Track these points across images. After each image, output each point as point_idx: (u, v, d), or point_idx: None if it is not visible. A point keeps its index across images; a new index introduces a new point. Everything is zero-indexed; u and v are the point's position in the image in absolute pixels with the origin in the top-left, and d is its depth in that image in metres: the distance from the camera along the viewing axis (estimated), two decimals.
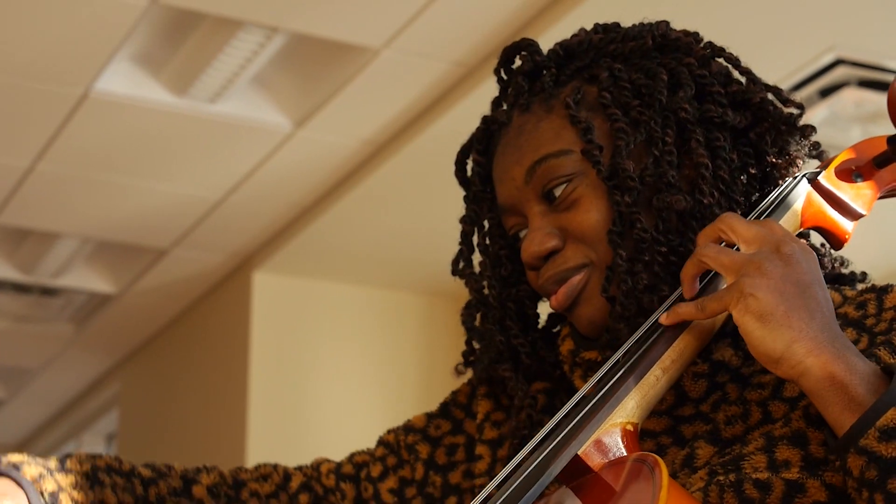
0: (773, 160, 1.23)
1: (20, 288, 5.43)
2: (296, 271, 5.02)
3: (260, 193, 4.50)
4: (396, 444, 1.35)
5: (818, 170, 1.22)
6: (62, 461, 1.31)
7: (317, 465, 1.39)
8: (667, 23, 1.27)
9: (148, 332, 5.89)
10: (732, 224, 1.10)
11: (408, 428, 1.36)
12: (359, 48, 3.59)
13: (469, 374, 1.35)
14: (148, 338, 5.97)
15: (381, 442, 1.37)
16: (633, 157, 1.18)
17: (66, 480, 1.28)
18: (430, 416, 1.36)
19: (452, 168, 1.33)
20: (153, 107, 3.90)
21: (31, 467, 1.27)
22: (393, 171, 4.18)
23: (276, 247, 4.87)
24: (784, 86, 1.28)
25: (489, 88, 1.32)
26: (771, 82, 1.27)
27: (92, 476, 1.30)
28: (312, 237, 4.71)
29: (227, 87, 3.82)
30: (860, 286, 1.22)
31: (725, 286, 1.07)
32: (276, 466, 1.39)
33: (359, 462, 1.37)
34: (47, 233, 4.86)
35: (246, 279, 5.08)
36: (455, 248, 1.31)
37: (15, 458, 1.27)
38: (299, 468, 1.40)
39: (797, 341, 1.03)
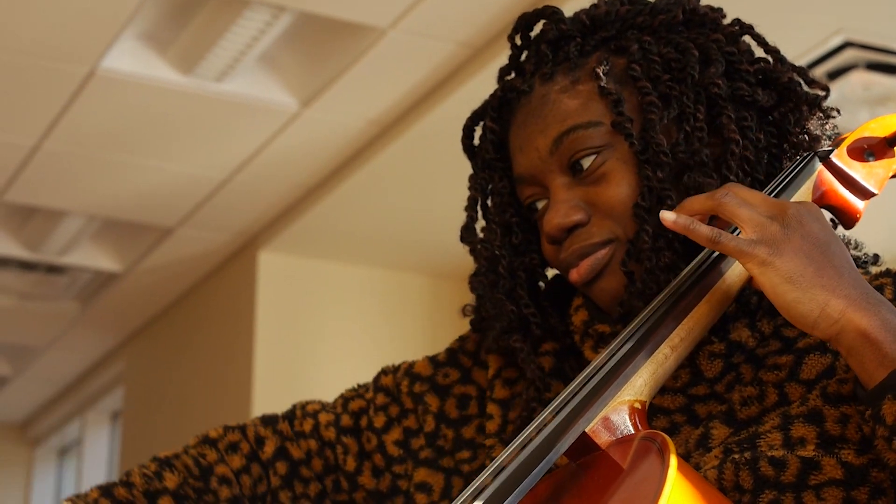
0: (795, 140, 1.21)
1: (26, 266, 5.44)
2: (301, 251, 5.02)
3: (266, 173, 4.49)
4: (397, 391, 1.31)
5: (830, 148, 1.22)
6: None
7: (313, 413, 1.33)
8: None
9: (153, 310, 5.90)
10: (728, 207, 1.07)
11: (412, 375, 1.31)
12: (365, 28, 3.58)
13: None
14: (153, 316, 5.97)
15: (380, 387, 1.32)
16: (663, 132, 1.17)
17: None
18: (436, 364, 1.32)
19: (458, 149, 1.30)
20: (159, 85, 3.90)
21: None
22: (399, 151, 4.18)
23: (282, 226, 4.87)
24: None
25: (496, 69, 1.30)
26: None
27: None
28: (318, 217, 4.71)
29: (234, 66, 3.82)
30: (874, 269, 1.21)
31: (744, 239, 1.05)
32: (244, 431, 1.33)
33: (356, 410, 1.32)
34: (53, 211, 4.86)
35: (251, 258, 5.08)
36: (460, 227, 1.29)
37: None
38: (275, 422, 1.33)
39: (831, 300, 1.02)
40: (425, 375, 1.31)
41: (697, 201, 1.09)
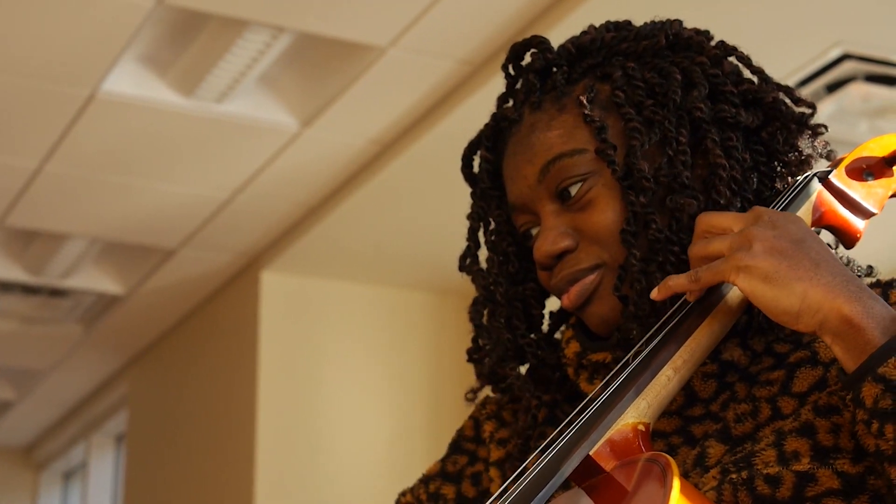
0: (785, 159, 1.23)
1: (28, 289, 5.44)
2: (304, 270, 5.03)
3: (267, 193, 4.50)
4: (417, 502, 1.32)
5: (829, 168, 1.22)
6: None
7: None
8: (679, 21, 1.26)
9: (156, 332, 5.90)
10: (709, 220, 1.11)
11: (425, 479, 1.33)
12: (365, 47, 3.59)
13: (472, 408, 1.34)
14: (156, 338, 5.97)
15: None
16: (647, 157, 1.18)
17: None
18: (442, 460, 1.34)
19: (459, 166, 1.32)
20: (160, 107, 3.90)
21: None
22: (400, 169, 4.19)
23: (284, 246, 4.87)
24: (791, 81, 1.28)
25: (496, 87, 1.31)
26: (777, 78, 1.27)
27: None
28: (320, 236, 4.71)
29: (234, 87, 3.83)
30: (867, 280, 1.22)
31: (718, 261, 1.07)
32: None
33: None
34: (55, 234, 4.87)
35: (254, 279, 5.08)
36: (463, 245, 1.31)
37: None
38: None
39: (809, 290, 1.03)
40: (436, 472, 1.33)
41: (680, 280, 1.11)
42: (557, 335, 1.30)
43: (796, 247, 1.06)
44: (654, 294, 1.11)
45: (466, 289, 1.29)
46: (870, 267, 1.25)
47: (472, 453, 1.32)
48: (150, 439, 6.02)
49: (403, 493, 1.35)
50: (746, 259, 1.05)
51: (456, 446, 1.34)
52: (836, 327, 1.02)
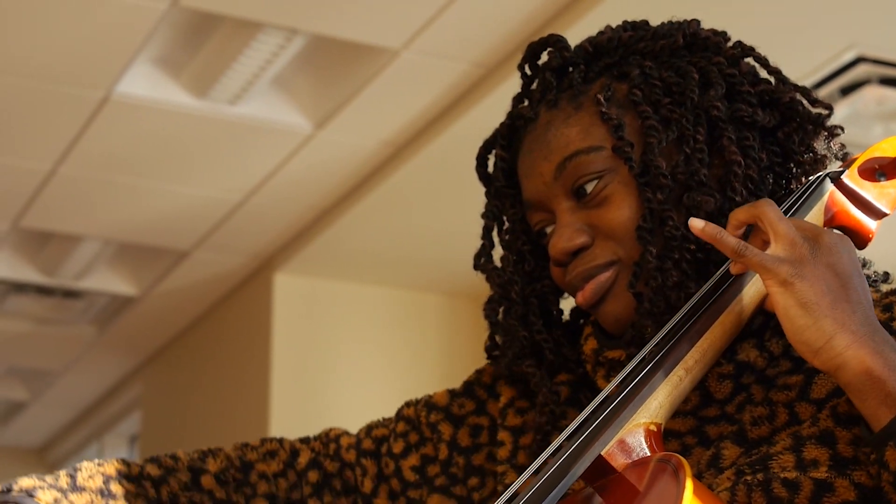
0: (801, 159, 1.23)
1: (43, 290, 5.45)
2: (317, 272, 5.03)
3: (280, 195, 4.51)
4: (417, 420, 1.33)
5: (841, 169, 1.22)
6: (73, 476, 1.28)
7: (335, 438, 1.36)
8: (697, 22, 1.27)
9: (170, 333, 5.91)
10: (770, 216, 1.09)
11: (430, 405, 1.33)
12: (378, 49, 3.59)
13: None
14: (170, 339, 5.98)
15: (401, 417, 1.35)
16: (664, 155, 1.18)
17: (80, 500, 1.26)
18: (453, 395, 1.33)
19: (472, 169, 1.32)
20: (174, 109, 3.91)
21: (45, 493, 1.24)
22: (413, 171, 4.19)
23: (297, 248, 4.88)
24: (805, 84, 1.27)
25: (509, 89, 1.31)
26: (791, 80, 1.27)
27: (105, 490, 1.29)
28: (333, 238, 4.72)
29: (247, 88, 3.83)
30: (885, 287, 1.22)
31: (769, 255, 1.06)
32: (281, 441, 1.38)
33: (378, 437, 1.35)
34: (69, 235, 4.88)
35: (267, 281, 5.09)
36: (475, 247, 1.31)
37: (26, 483, 1.24)
38: (307, 441, 1.37)
39: (838, 334, 1.03)
40: (442, 405, 1.33)
41: (742, 211, 1.10)
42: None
43: (842, 284, 1.05)
44: (696, 225, 1.08)
45: (478, 291, 1.29)
46: (886, 273, 1.24)
47: (482, 403, 1.32)
48: (164, 440, 6.03)
49: (408, 405, 1.35)
50: (794, 278, 1.04)
51: (469, 389, 1.33)
52: (855, 376, 1.03)
